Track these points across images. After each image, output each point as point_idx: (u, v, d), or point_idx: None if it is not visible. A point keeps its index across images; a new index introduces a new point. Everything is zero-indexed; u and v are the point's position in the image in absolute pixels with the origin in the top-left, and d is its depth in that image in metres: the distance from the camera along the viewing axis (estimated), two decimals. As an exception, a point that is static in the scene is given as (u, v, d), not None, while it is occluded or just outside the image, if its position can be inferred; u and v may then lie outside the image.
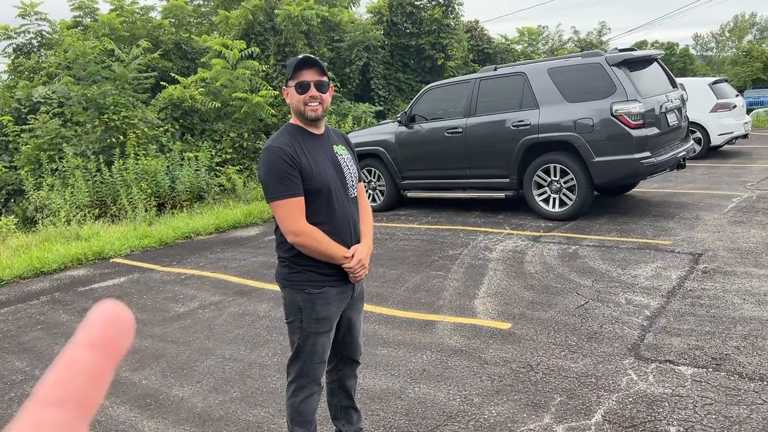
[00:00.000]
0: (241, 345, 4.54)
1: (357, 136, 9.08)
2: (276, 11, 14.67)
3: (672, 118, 7.61)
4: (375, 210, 8.69)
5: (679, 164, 7.67)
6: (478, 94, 8.25)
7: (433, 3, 17.67)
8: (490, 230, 7.49)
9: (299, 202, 2.42)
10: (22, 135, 11.54)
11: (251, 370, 4.08)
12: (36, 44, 17.90)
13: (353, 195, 2.63)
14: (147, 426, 3.45)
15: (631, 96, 7.02)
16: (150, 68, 13.38)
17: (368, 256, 2.61)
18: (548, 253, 6.25)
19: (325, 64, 15.44)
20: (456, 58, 17.82)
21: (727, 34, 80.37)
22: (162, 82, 12.76)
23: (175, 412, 3.59)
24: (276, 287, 5.83)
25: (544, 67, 7.82)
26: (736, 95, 13.39)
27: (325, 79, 2.50)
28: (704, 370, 3.53)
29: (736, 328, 4.06)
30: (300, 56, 2.50)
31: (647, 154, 7.07)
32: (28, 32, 17.61)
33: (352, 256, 2.52)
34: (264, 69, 13.74)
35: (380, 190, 9.32)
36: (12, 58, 17.18)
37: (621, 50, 7.72)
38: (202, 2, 24.32)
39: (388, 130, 9.25)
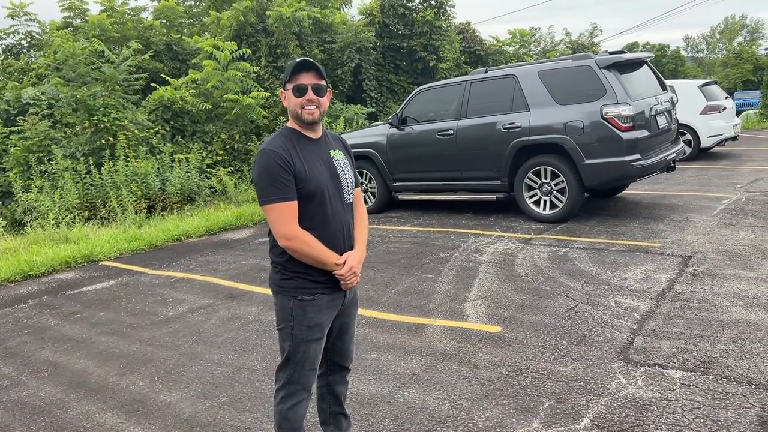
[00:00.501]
0: (230, 349, 4.51)
1: (348, 138, 9.06)
2: (267, 12, 14.63)
3: (662, 121, 7.63)
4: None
5: (669, 166, 7.70)
6: (469, 97, 8.25)
7: (425, 5, 17.67)
8: (481, 232, 7.49)
9: (292, 206, 2.40)
10: (10, 137, 11.45)
11: (240, 374, 4.06)
12: (25, 45, 17.79)
13: (349, 200, 2.61)
14: (134, 432, 3.43)
15: (621, 99, 7.04)
16: (141, 69, 13.31)
17: (360, 263, 2.58)
18: (539, 256, 6.25)
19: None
20: (448, 59, 17.83)
21: (718, 36, 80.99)
22: (153, 84, 12.70)
23: (162, 417, 3.56)
24: (265, 291, 5.83)
25: (535, 69, 7.83)
26: (726, 97, 13.47)
27: (322, 82, 2.49)
28: (693, 373, 3.54)
29: (724, 331, 4.07)
30: (298, 59, 2.48)
31: (637, 156, 7.09)
32: (18, 33, 17.51)
33: (344, 263, 2.50)
34: (255, 70, 13.71)
35: (371, 192, 9.31)
36: (1, 59, 17.07)
37: (611, 53, 7.74)
38: (193, 3, 24.25)
39: (379, 132, 9.24)
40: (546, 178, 7.62)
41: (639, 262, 5.79)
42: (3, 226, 9.36)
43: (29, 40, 17.77)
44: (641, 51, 38.68)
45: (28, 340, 5.05)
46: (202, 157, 11.61)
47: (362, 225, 2.69)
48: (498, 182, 8.01)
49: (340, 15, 17.91)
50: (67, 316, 5.60)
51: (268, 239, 2.60)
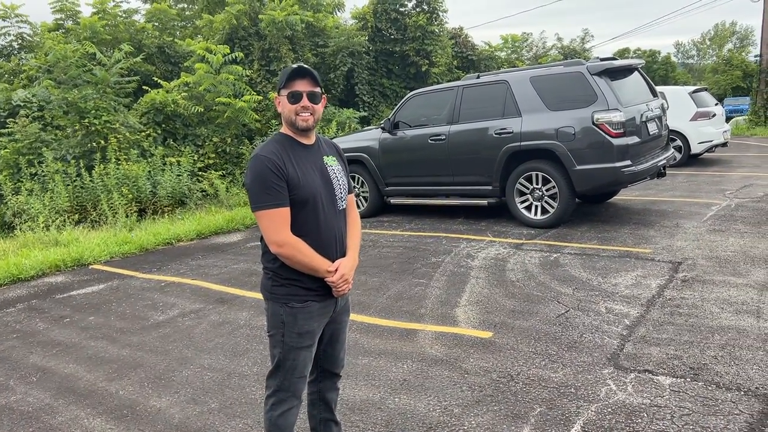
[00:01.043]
0: (221, 354, 4.49)
1: (340, 143, 9.06)
2: (260, 16, 14.62)
3: (652, 127, 7.68)
4: (358, 217, 8.66)
5: (659, 173, 7.75)
6: (461, 102, 8.28)
7: (418, 10, 17.72)
8: (473, 237, 7.50)
9: (284, 212, 2.39)
10: (0, 139, 11.37)
11: (230, 380, 4.04)
12: (16, 47, 17.70)
13: (342, 207, 2.60)
14: (123, 438, 3.40)
15: (612, 105, 7.08)
16: (132, 72, 13.26)
17: (353, 270, 2.58)
18: (530, 261, 6.27)
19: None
20: (440, 64, 17.88)
21: (708, 43, 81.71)
22: (144, 86, 12.66)
23: (152, 423, 3.54)
24: (256, 295, 5.82)
25: (527, 75, 7.87)
26: (716, 104, 13.57)
27: (318, 89, 2.49)
28: (682, 380, 3.55)
29: (714, 338, 4.10)
30: (294, 66, 2.47)
31: (628, 162, 7.13)
32: (9, 34, 17.43)
33: (336, 270, 2.49)
34: (248, 74, 13.68)
35: (363, 197, 9.31)
36: (-8, 60, 16.97)
37: (602, 59, 7.78)
38: (186, 6, 24.21)
39: (371, 137, 9.25)
40: (537, 184, 7.65)
41: (629, 267, 5.82)
42: (-8, 229, 9.29)
43: (20, 41, 17.69)
44: (632, 57, 38.94)
45: (16, 344, 5.01)
46: (194, 160, 11.57)
47: (355, 231, 2.68)
48: (490, 187, 8.03)
49: (333, 19, 17.93)
50: (56, 320, 5.56)
51: (260, 245, 2.59)
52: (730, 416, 3.14)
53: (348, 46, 16.25)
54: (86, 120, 10.64)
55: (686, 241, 6.62)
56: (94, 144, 10.63)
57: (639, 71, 8.20)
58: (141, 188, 10.24)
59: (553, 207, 7.59)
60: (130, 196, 10.01)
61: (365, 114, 16.14)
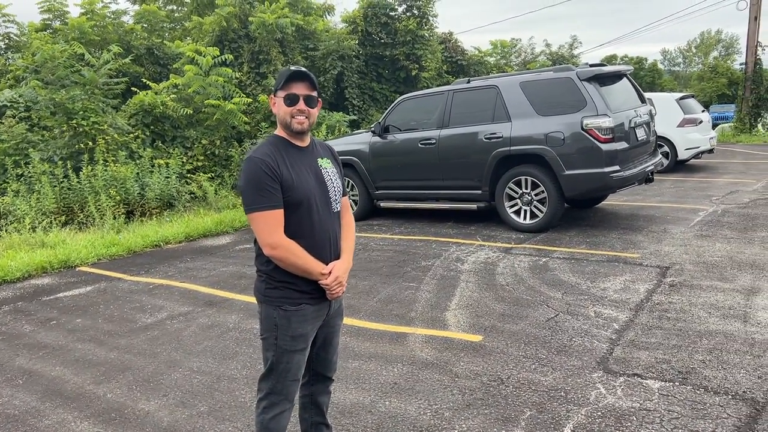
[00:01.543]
0: (210, 357, 4.47)
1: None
2: (250, 19, 14.59)
3: (641, 133, 7.75)
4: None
5: (647, 178, 7.81)
6: (451, 106, 8.31)
7: (408, 14, 17.76)
8: (462, 241, 7.52)
9: (278, 214, 2.38)
10: (-14, 139, 11.24)
11: (219, 383, 4.02)
12: (3, 47, 17.54)
13: (336, 209, 2.60)
14: (111, 442, 3.37)
15: (601, 111, 7.13)
16: (121, 73, 13.17)
17: (346, 273, 2.57)
18: (519, 265, 6.29)
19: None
20: (430, 69, 17.92)
21: (694, 50, 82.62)
22: (133, 88, 12.57)
23: (140, 427, 3.50)
24: (245, 298, 5.79)
25: (517, 80, 7.91)
26: (702, 111, 13.71)
27: (314, 93, 2.49)
28: (671, 383, 3.58)
29: (701, 342, 4.13)
30: (292, 68, 2.46)
31: (616, 167, 7.19)
32: (-5, 34, 17.27)
33: (330, 272, 2.49)
34: (237, 76, 13.64)
35: (353, 200, 9.31)
36: (-22, 60, 16.80)
37: (592, 65, 7.84)
38: (175, 8, 24.10)
39: (361, 140, 9.25)
40: (527, 188, 7.68)
41: (618, 272, 5.86)
42: (-23, 230, 9.17)
43: (7, 41, 17.55)
44: (619, 63, 39.26)
45: (2, 346, 4.95)
46: (182, 162, 11.51)
47: (349, 234, 2.68)
48: (479, 192, 8.06)
49: (323, 23, 17.93)
50: (42, 322, 5.50)
51: (253, 247, 2.58)
52: (718, 420, 3.17)
53: (338, 49, 16.25)
54: (74, 121, 10.55)
55: (674, 246, 6.68)
56: (81, 145, 10.54)
57: (627, 77, 8.27)
58: (129, 190, 10.16)
59: (542, 211, 7.63)
60: (118, 197, 9.93)
61: (355, 117, 16.14)
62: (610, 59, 43.58)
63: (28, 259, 7.41)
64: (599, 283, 5.55)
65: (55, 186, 9.95)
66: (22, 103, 12.17)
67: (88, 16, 15.41)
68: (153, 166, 10.90)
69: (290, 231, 2.41)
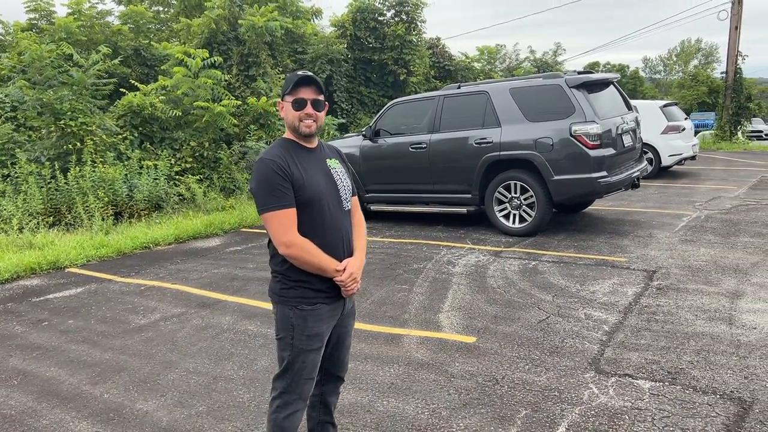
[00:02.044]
0: (205, 358, 4.49)
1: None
2: (240, 21, 14.59)
3: (627, 140, 7.89)
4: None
5: (633, 184, 7.96)
6: (442, 111, 8.40)
7: (397, 19, 17.87)
8: (453, 245, 7.60)
9: (291, 213, 2.43)
10: (-29, 139, 11.11)
11: (216, 383, 4.05)
12: (-13, 45, 17.33)
13: (347, 208, 2.65)
14: (111, 441, 3.39)
15: (589, 117, 7.26)
16: (108, 74, 13.10)
17: (360, 269, 2.61)
18: (509, 268, 6.38)
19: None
20: (418, 74, 18.04)
21: (675, 59, 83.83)
22: (122, 89, 12.51)
23: (139, 426, 3.52)
24: (238, 300, 5.82)
25: (507, 86, 8.02)
26: (685, 118, 13.96)
27: (321, 97, 2.55)
28: (661, 383, 3.67)
29: (689, 344, 4.24)
30: (299, 73, 2.52)
31: (604, 173, 7.32)
32: (-21, 33, 17.06)
33: (344, 269, 2.53)
34: (226, 79, 13.63)
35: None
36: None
37: (580, 73, 7.98)
38: (161, 9, 24.00)
39: (352, 144, 9.31)
40: (516, 193, 7.79)
41: (606, 275, 5.97)
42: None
43: (-9, 40, 17.33)
44: (602, 70, 39.77)
45: (-6, 347, 4.93)
46: (171, 164, 11.47)
47: (361, 232, 2.73)
48: (469, 196, 8.15)
49: (312, 26, 17.98)
50: (34, 323, 5.48)
51: (267, 249, 2.62)
52: (707, 418, 3.26)
53: (327, 53, 16.31)
54: (62, 121, 10.48)
55: (659, 250, 6.81)
56: (69, 146, 10.47)
57: (614, 85, 8.43)
58: (117, 191, 10.12)
59: (530, 216, 7.74)
60: (106, 199, 9.89)
61: (343, 121, 16.19)
62: (593, 66, 44.11)
63: (17, 260, 7.36)
64: (588, 286, 5.66)
65: (42, 187, 9.87)
66: (8, 102, 12.05)
67: (75, 16, 15.30)
68: (141, 167, 10.86)
69: (303, 230, 2.46)
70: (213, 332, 5.02)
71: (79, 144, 10.51)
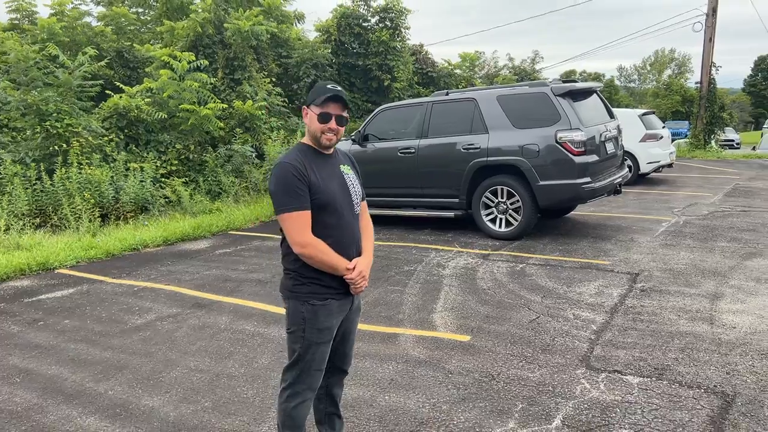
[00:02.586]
0: (206, 357, 4.57)
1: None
2: (226, 25, 14.64)
3: (610, 147, 8.14)
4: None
5: (615, 190, 8.21)
6: (430, 117, 8.58)
7: (381, 26, 18.05)
8: (441, 248, 7.76)
9: (306, 215, 2.56)
10: (-47, 139, 11.01)
11: (219, 380, 4.14)
12: (-34, 45, 17.09)
13: (357, 211, 2.80)
14: (121, 435, 3.47)
15: (574, 125, 7.49)
16: (93, 76, 13.04)
17: (368, 268, 2.76)
18: (498, 271, 6.56)
19: (276, 88, 14.94)
20: (402, 80, 18.23)
21: (649, 68, 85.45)
22: (107, 91, 12.47)
23: (147, 421, 3.61)
24: (234, 300, 5.92)
25: (494, 94, 8.23)
26: (663, 126, 14.35)
27: (345, 114, 2.69)
28: (649, 379, 3.86)
29: (673, 342, 4.44)
30: (329, 86, 2.64)
31: (588, 179, 7.55)
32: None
33: (354, 267, 2.67)
34: (212, 82, 13.66)
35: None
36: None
37: (564, 81, 8.22)
38: (141, 11, 23.84)
39: (340, 148, 9.41)
40: (502, 198, 7.99)
41: (591, 278, 6.18)
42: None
43: (-30, 39, 17.09)
44: (579, 78, 40.35)
45: (-9, 346, 4.95)
46: (156, 166, 11.47)
47: (369, 234, 2.88)
48: (457, 200, 8.33)
49: (296, 31, 18.08)
50: (29, 323, 5.50)
51: (281, 248, 2.75)
52: (693, 411, 3.45)
53: (312, 58, 16.43)
54: (47, 123, 10.44)
55: (641, 254, 7.05)
56: (55, 147, 10.43)
57: (597, 94, 8.68)
58: (104, 193, 10.10)
59: (517, 220, 7.94)
60: (93, 201, 9.86)
61: (327, 125, 16.26)
62: (570, 74, 44.85)
63: (5, 261, 7.34)
64: (575, 287, 5.85)
65: (28, 188, 9.82)
66: (-9, 103, 11.94)
67: (58, 17, 15.20)
68: (127, 169, 10.85)
69: (319, 230, 2.60)
70: (211, 332, 5.10)
71: (65, 145, 10.47)
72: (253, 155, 12.76)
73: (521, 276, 6.33)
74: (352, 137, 9.35)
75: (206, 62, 13.39)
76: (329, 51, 16.97)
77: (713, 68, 22.10)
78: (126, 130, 11.87)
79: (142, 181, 10.65)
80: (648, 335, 4.59)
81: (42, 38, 13.91)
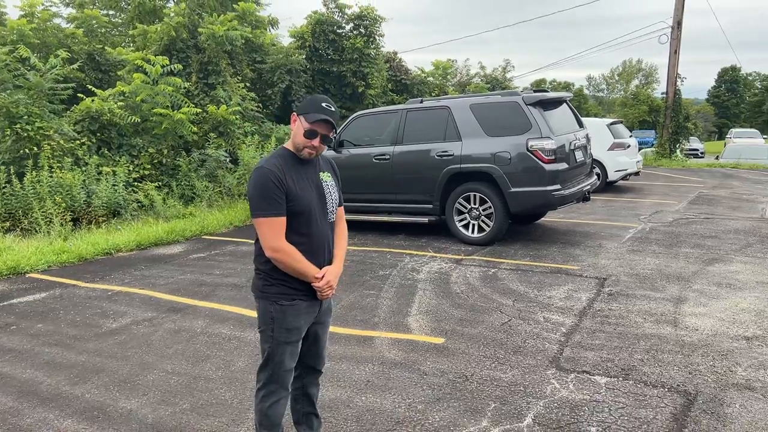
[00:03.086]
0: (182, 360, 4.60)
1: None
2: (200, 29, 14.60)
3: (579, 155, 8.36)
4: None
5: (584, 197, 8.44)
6: (405, 124, 8.71)
7: (356, 33, 18.18)
8: (415, 253, 7.88)
9: (281, 221, 2.65)
10: None
11: (197, 383, 4.18)
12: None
13: (332, 219, 2.89)
14: (99, 437, 3.49)
15: (544, 133, 7.69)
16: (65, 79, 12.89)
17: (337, 277, 2.87)
18: (471, 275, 6.70)
19: (251, 93, 14.89)
20: (376, 86, 18.36)
21: (617, 78, 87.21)
22: (80, 95, 12.35)
23: (126, 423, 3.63)
24: (209, 305, 5.97)
25: (467, 102, 8.40)
26: (630, 135, 14.73)
27: (331, 134, 2.78)
28: (615, 379, 4.02)
29: (639, 344, 4.62)
30: (324, 106, 2.70)
31: (558, 186, 7.75)
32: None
33: (322, 276, 2.77)
34: (186, 86, 13.61)
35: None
36: None
37: (535, 91, 8.42)
38: (112, 13, 23.59)
39: (323, 154, 9.47)
40: (475, 204, 8.15)
41: (561, 282, 6.35)
42: None
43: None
44: (548, 88, 41.00)
45: (-37, 351, 4.90)
46: (129, 170, 11.39)
47: (342, 242, 2.97)
48: (430, 206, 8.47)
49: (270, 36, 18.09)
50: (1, 327, 5.46)
51: (254, 247, 2.83)
52: (657, 408, 3.61)
53: (286, 63, 16.46)
54: (18, 125, 10.31)
55: (609, 259, 7.26)
56: (25, 150, 10.30)
57: (567, 103, 8.92)
58: (75, 197, 10.00)
59: (489, 226, 8.10)
60: (64, 205, 9.76)
61: (301, 131, 16.29)
62: (540, 83, 45.61)
63: (-25, 265, 7.24)
64: (545, 291, 6.02)
65: (-4, 191, 9.68)
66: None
67: (29, 18, 14.99)
68: (99, 173, 10.75)
69: (292, 235, 2.69)
70: (187, 335, 5.13)
71: (35, 149, 10.35)
72: (227, 160, 12.74)
73: (493, 280, 6.47)
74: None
75: (180, 66, 13.35)
76: (304, 57, 17.03)
77: (678, 79, 22.70)
78: (98, 134, 11.76)
79: (114, 185, 10.57)
80: (615, 337, 4.76)
81: (12, 40, 13.69)
